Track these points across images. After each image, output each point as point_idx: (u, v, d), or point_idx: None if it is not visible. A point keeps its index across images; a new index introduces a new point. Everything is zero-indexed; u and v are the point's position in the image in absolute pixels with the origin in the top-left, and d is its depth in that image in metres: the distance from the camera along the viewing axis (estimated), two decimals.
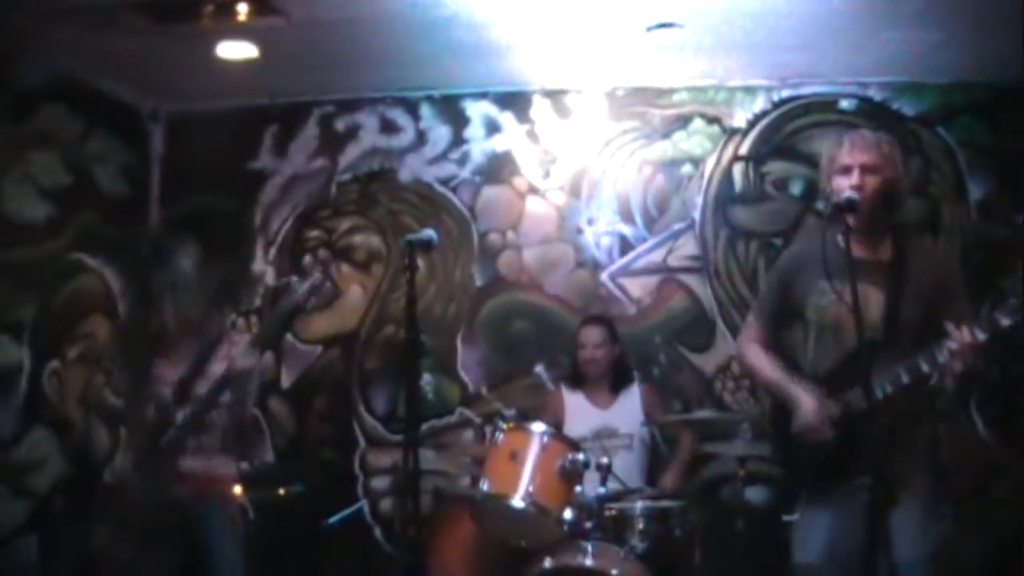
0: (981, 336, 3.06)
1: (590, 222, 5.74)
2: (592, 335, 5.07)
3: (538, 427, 4.16)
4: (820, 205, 5.24)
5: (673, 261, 5.66)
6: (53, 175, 5.19)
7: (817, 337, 3.41)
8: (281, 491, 4.93)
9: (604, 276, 5.70)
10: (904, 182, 3.41)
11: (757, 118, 5.66)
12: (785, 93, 5.63)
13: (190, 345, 3.80)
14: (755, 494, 4.73)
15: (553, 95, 5.81)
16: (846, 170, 3.28)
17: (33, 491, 4.96)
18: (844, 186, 3.23)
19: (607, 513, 4.15)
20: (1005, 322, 3.06)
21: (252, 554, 3.86)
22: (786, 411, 3.41)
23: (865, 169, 3.27)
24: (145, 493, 3.59)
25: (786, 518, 3.99)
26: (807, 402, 3.32)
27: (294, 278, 3.67)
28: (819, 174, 3.50)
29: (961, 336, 3.06)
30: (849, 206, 3.11)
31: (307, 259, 5.92)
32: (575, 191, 5.77)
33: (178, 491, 3.61)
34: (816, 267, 3.31)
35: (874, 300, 3.24)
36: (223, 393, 3.69)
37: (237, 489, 4.03)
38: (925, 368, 3.13)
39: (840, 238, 3.11)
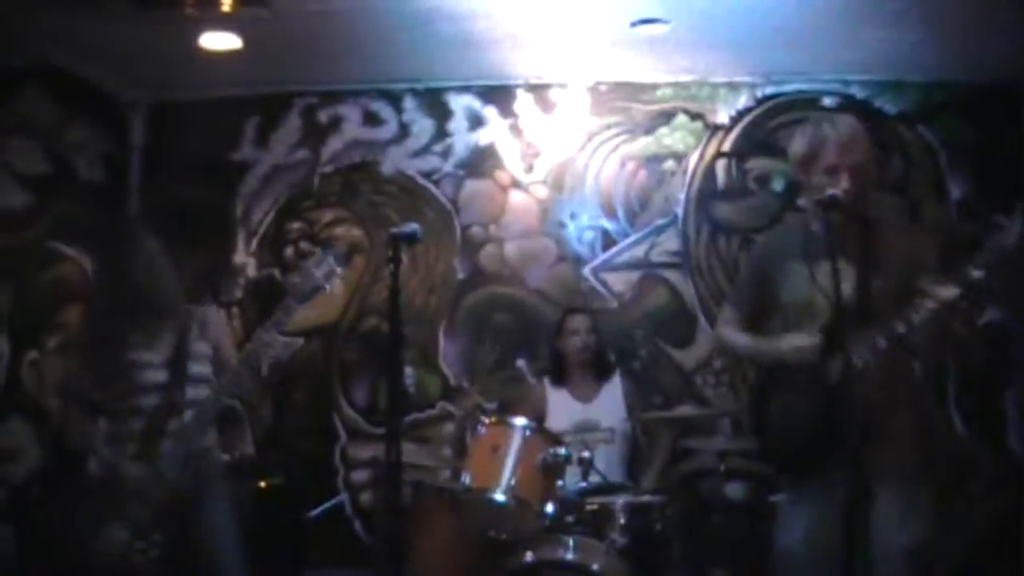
0: (955, 291, 3.08)
1: (572, 216, 5.75)
2: (582, 322, 5.08)
3: (520, 421, 4.14)
4: (802, 202, 5.26)
5: (655, 256, 5.68)
6: (31, 162, 5.15)
7: (793, 319, 3.42)
8: (262, 483, 4.92)
9: (586, 270, 5.70)
10: (875, 172, 3.45)
11: (740, 114, 5.68)
12: (768, 90, 5.66)
13: (167, 327, 3.77)
14: (735, 489, 4.74)
15: (537, 89, 5.81)
16: (832, 170, 3.29)
17: (9, 481, 4.93)
18: (828, 185, 3.25)
19: (588, 507, 4.15)
20: (976, 274, 3.08)
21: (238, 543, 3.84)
22: (767, 398, 3.43)
23: (852, 169, 3.28)
24: (145, 482, 3.57)
25: (772, 498, 4.03)
26: (793, 338, 3.34)
27: (311, 262, 3.65)
28: (796, 163, 3.47)
29: (937, 292, 3.09)
30: (833, 203, 3.14)
31: (288, 251, 5.91)
32: (558, 185, 5.78)
33: (184, 476, 3.60)
34: (792, 249, 3.35)
35: (846, 275, 3.26)
36: (215, 372, 3.70)
37: None
38: (901, 330, 3.15)
39: (816, 225, 3.18)
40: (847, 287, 3.17)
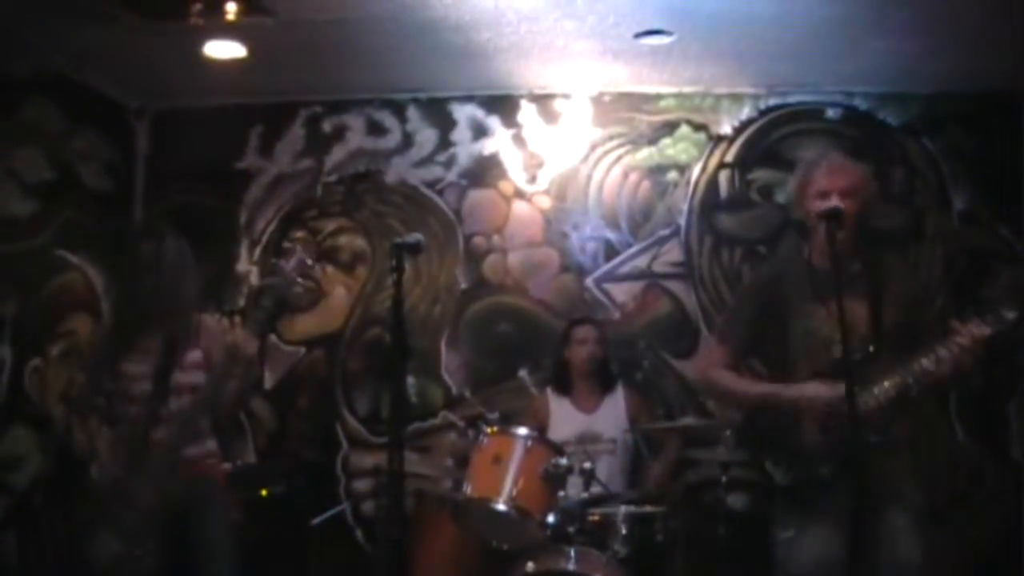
0: (986, 330, 3.09)
1: (575, 227, 5.75)
2: (588, 331, 5.09)
3: (522, 431, 4.16)
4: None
5: (658, 267, 5.67)
6: (37, 171, 5.15)
7: (806, 353, 3.40)
8: (263, 492, 4.92)
9: (589, 281, 5.70)
10: (877, 201, 3.46)
11: (743, 125, 5.68)
12: (771, 101, 5.66)
13: (160, 336, 3.76)
14: (737, 500, 4.73)
15: (540, 99, 5.81)
16: (824, 195, 3.31)
17: (12, 488, 4.93)
18: (822, 208, 3.26)
19: (590, 518, 4.15)
20: (1011, 315, 3.09)
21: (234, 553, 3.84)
22: (770, 422, 3.42)
23: (843, 193, 3.30)
24: (137, 490, 3.56)
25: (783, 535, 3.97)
26: (811, 388, 3.29)
27: (280, 261, 3.69)
28: (791, 193, 3.52)
29: (969, 330, 3.09)
30: (834, 215, 3.14)
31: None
32: (561, 195, 5.78)
33: (174, 483, 3.59)
34: (799, 284, 3.34)
35: (859, 312, 3.26)
36: (204, 380, 3.69)
37: None
38: (930, 366, 3.15)
39: (815, 255, 3.21)
40: (858, 321, 3.17)
